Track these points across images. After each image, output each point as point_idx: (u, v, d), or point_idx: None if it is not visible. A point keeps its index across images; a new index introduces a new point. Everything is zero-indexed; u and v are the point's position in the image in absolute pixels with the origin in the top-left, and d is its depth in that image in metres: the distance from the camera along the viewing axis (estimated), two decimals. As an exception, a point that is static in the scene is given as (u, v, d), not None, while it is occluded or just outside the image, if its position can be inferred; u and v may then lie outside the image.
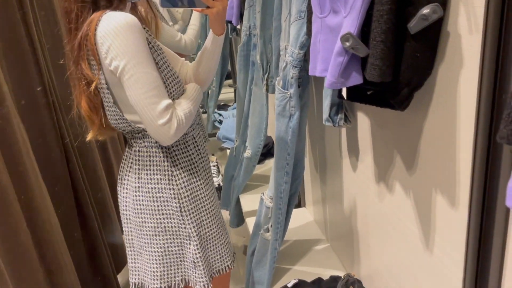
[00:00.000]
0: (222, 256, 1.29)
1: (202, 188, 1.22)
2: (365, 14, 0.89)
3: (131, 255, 1.27)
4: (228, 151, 2.70)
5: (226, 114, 3.48)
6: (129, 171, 1.19)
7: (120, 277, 2.06)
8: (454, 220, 0.94)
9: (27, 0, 1.43)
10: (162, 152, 1.15)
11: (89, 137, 1.17)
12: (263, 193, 1.74)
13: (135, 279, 1.27)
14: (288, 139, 1.47)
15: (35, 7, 1.51)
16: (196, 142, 1.23)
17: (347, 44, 0.91)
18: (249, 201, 2.29)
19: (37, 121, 1.48)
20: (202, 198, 1.21)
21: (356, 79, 0.96)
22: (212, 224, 1.24)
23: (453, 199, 0.94)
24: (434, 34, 0.88)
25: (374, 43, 0.88)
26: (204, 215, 1.22)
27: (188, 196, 1.18)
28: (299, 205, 2.23)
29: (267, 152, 2.63)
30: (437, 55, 0.90)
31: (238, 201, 2.36)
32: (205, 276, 1.21)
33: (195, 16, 2.42)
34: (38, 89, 1.47)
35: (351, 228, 1.57)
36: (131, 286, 1.28)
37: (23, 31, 1.41)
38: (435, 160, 0.98)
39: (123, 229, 1.27)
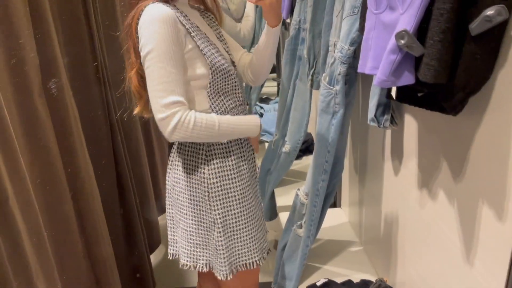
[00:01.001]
0: (250, 250, 1.24)
1: (234, 178, 1.19)
2: (423, 12, 0.86)
3: (171, 227, 1.32)
4: (266, 144, 2.70)
5: (268, 107, 3.49)
6: (174, 148, 1.25)
7: (153, 257, 2.12)
8: (499, 234, 0.90)
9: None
10: None
11: (136, 111, 1.21)
12: (298, 189, 1.73)
13: (173, 250, 1.33)
14: (330, 136, 1.45)
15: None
16: None
17: (402, 42, 0.88)
18: (283, 196, 2.28)
19: (88, 96, 1.53)
20: (233, 187, 1.19)
21: (408, 78, 0.93)
22: (241, 216, 1.21)
23: (500, 211, 0.89)
24: (497, 37, 0.83)
25: (431, 42, 0.84)
26: (233, 205, 1.20)
27: (217, 183, 1.17)
28: (334, 205, 2.20)
29: (305, 148, 2.62)
30: (498, 60, 0.86)
31: (272, 195, 2.36)
32: (226, 266, 1.20)
33: (250, 7, 2.44)
34: (94, 64, 1.52)
35: (387, 233, 1.53)
36: (169, 256, 1.33)
37: (81, 7, 1.46)
38: (484, 169, 0.94)
39: (166, 200, 1.32)
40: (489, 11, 0.78)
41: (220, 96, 1.15)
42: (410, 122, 1.29)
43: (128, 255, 1.78)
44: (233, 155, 1.20)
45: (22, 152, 1.07)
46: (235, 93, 1.19)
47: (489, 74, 0.87)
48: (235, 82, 1.18)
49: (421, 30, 0.88)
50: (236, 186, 1.20)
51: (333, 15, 1.61)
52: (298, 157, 2.62)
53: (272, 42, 1.21)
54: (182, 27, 1.06)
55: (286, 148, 2.22)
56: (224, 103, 1.16)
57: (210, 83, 1.10)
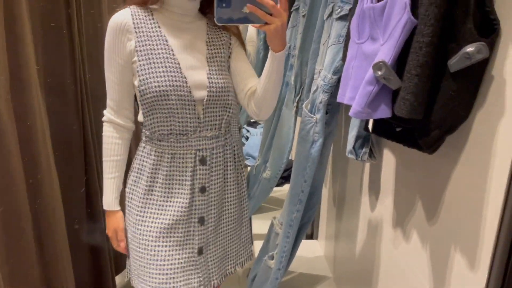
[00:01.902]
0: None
1: (139, 196, 1.13)
2: (402, 44, 0.83)
3: None
4: (249, 168, 2.64)
5: (254, 131, 3.44)
6: None
7: (118, 279, 2.02)
8: (470, 283, 0.84)
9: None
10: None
11: None
12: (274, 218, 1.67)
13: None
14: (307, 165, 1.40)
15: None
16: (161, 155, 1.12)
17: (379, 73, 0.85)
18: (260, 224, 2.22)
19: (60, 103, 1.48)
20: (133, 204, 1.15)
21: (384, 112, 0.90)
22: (134, 242, 1.14)
23: (473, 259, 0.84)
24: (476, 75, 0.80)
25: (408, 76, 0.81)
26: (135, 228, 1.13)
27: (130, 199, 1.16)
28: (311, 237, 2.13)
29: (287, 176, 2.55)
30: (477, 99, 0.82)
31: (249, 221, 2.29)
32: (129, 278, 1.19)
33: (253, 32, 2.40)
34: (67, 81, 1.48)
35: (360, 270, 1.47)
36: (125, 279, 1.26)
37: (64, 14, 1.43)
38: (459, 213, 0.89)
39: None
40: (469, 48, 0.76)
41: (153, 117, 1.08)
42: (389, 157, 1.25)
43: (89, 276, 1.70)
44: (147, 180, 1.13)
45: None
46: (172, 120, 1.07)
47: (467, 113, 0.84)
48: (174, 108, 1.06)
49: (401, 63, 0.85)
50: (140, 211, 1.13)
51: (320, 43, 1.59)
52: (280, 184, 2.56)
53: (276, 68, 1.07)
54: (133, 36, 1.05)
55: (267, 174, 2.16)
56: (155, 126, 1.09)
57: (140, 100, 1.07)
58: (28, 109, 1.24)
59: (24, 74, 1.22)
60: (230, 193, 1.20)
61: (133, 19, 1.06)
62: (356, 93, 1.00)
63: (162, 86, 1.04)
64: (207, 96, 1.08)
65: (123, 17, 1.05)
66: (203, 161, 1.11)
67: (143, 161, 1.13)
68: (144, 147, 1.13)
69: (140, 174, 1.13)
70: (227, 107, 1.13)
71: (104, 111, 1.14)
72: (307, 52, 1.94)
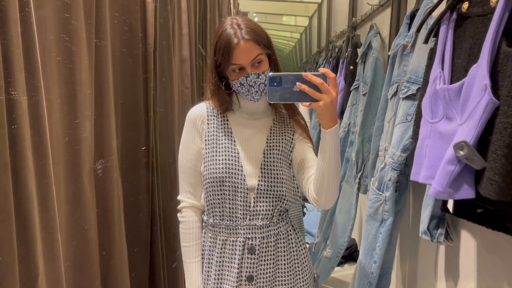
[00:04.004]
0: None
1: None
2: (484, 125, 0.82)
3: None
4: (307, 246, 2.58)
5: (311, 207, 3.40)
6: None
7: None
8: None
9: (151, 67, 1.59)
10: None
11: None
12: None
13: None
14: (377, 245, 1.35)
15: (157, 72, 1.67)
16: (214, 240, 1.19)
17: (461, 153, 0.83)
18: (321, 306, 2.10)
19: (133, 179, 1.55)
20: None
21: (467, 192, 0.87)
22: None
23: None
24: None
25: (494, 156, 0.79)
26: None
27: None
28: (377, 323, 1.98)
29: (348, 255, 2.46)
30: None
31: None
32: None
33: (304, 111, 2.48)
34: (142, 148, 1.57)
35: None
36: None
37: (142, 94, 1.56)
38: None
39: None
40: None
41: (209, 202, 1.16)
42: (467, 239, 1.18)
43: None
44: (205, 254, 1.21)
45: (60, 230, 1.07)
46: (224, 206, 1.14)
47: (561, 195, 0.79)
48: (227, 194, 1.13)
49: (482, 142, 0.84)
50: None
51: (385, 121, 1.60)
52: (340, 263, 2.46)
53: (329, 146, 1.02)
54: (206, 127, 1.17)
55: (328, 252, 2.09)
56: (211, 211, 1.16)
57: (203, 185, 1.17)
58: (105, 185, 1.31)
59: (104, 150, 1.31)
60: (282, 282, 1.17)
61: (207, 112, 1.19)
62: (432, 172, 0.99)
63: (219, 172, 1.12)
64: (258, 184, 1.12)
65: (199, 110, 1.19)
66: (251, 250, 1.13)
67: (203, 245, 1.20)
68: (204, 233, 1.20)
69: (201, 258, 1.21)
70: (281, 198, 1.14)
71: (180, 198, 1.21)
72: (368, 129, 1.95)
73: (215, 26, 2.88)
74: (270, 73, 0.98)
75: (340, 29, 3.48)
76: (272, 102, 1.03)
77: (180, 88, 2.16)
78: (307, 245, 1.24)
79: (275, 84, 0.99)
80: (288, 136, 1.19)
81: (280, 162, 1.15)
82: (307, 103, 0.99)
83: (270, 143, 1.16)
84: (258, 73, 1.08)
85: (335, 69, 3.13)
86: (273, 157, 1.14)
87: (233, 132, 1.16)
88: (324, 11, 4.80)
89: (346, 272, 2.41)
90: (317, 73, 0.97)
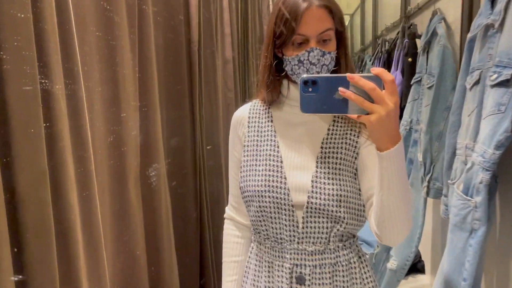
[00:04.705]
0: None
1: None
2: None
3: None
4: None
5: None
6: None
7: None
8: None
9: (196, 76, 1.47)
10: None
11: None
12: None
13: None
14: (466, 260, 1.15)
15: (202, 79, 1.56)
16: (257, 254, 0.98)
17: None
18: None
19: (181, 185, 1.44)
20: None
21: None
22: None
23: None
24: None
25: None
26: None
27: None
28: None
29: (412, 266, 2.23)
30: None
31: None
32: None
33: None
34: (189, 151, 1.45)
35: None
36: None
37: (187, 94, 1.44)
38: None
39: None
40: None
41: (253, 219, 0.94)
42: None
43: None
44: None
45: (105, 245, 0.95)
46: (267, 224, 0.91)
47: None
48: (268, 212, 0.90)
49: None
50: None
51: (463, 115, 1.40)
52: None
53: (388, 174, 0.75)
54: (246, 131, 0.97)
55: (392, 264, 1.89)
56: (255, 227, 0.95)
57: (243, 200, 0.97)
58: (157, 191, 1.20)
59: (153, 152, 1.19)
60: None
61: (249, 113, 0.98)
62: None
63: (258, 185, 0.90)
64: (307, 202, 0.87)
65: (241, 112, 1.00)
66: (300, 280, 0.88)
67: (249, 262, 0.97)
68: (252, 247, 0.98)
69: (245, 277, 0.98)
70: (339, 220, 0.87)
71: (226, 207, 1.06)
72: (437, 126, 1.75)
73: (256, 26, 2.75)
74: (304, 75, 0.74)
75: (388, 22, 3.27)
76: (307, 114, 0.77)
77: (224, 90, 2.04)
78: (374, 276, 0.99)
79: (310, 89, 0.74)
80: (350, 141, 0.90)
81: (339, 175, 0.88)
82: (355, 115, 0.73)
83: (326, 148, 0.89)
84: (324, 50, 0.84)
85: (386, 65, 2.91)
86: (329, 168, 0.88)
87: (278, 133, 0.93)
88: (368, 6, 4.58)
89: (411, 285, 2.19)
90: (368, 74, 0.70)
